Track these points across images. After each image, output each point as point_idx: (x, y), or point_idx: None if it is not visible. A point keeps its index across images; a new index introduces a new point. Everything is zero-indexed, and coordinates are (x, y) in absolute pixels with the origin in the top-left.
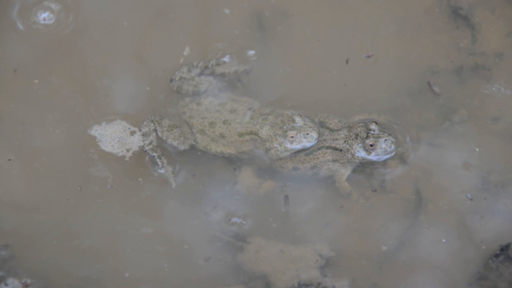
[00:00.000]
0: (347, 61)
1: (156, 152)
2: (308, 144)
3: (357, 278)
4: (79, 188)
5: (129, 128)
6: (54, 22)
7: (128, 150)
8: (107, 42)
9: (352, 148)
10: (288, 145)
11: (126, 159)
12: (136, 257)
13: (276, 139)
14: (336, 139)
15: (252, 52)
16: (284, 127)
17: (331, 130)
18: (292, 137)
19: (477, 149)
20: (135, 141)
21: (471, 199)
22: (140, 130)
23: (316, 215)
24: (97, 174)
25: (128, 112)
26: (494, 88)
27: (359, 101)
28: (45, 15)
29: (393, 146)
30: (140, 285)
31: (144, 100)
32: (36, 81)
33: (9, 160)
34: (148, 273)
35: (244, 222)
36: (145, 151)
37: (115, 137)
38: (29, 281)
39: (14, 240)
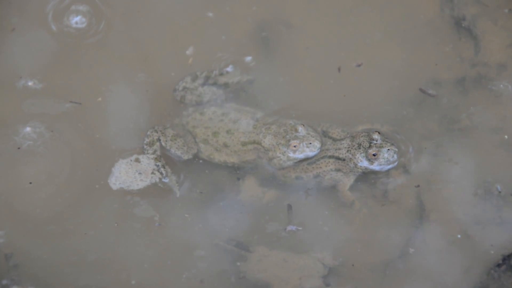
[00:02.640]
0: (339, 69)
1: (160, 161)
2: (311, 154)
3: (360, 287)
4: (115, 224)
5: (131, 159)
6: (86, 26)
7: (153, 173)
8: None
9: (355, 158)
10: (291, 155)
11: (158, 184)
12: (140, 264)
13: (279, 149)
14: (339, 149)
15: (249, 58)
16: (287, 136)
17: (334, 139)
18: (295, 146)
19: (506, 137)
20: (148, 162)
21: (500, 192)
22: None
23: (319, 224)
24: (141, 214)
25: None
26: (501, 86)
27: (362, 112)
28: (77, 19)
29: (395, 156)
30: None
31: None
32: (100, 99)
33: (30, 183)
34: (154, 281)
35: (299, 228)
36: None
37: (135, 171)
38: None
39: (18, 249)
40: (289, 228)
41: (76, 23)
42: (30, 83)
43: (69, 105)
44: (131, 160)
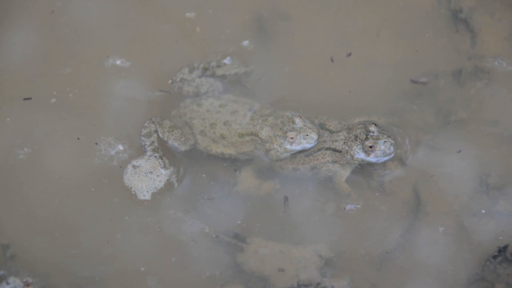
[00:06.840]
0: (332, 60)
1: (158, 152)
2: (307, 145)
3: (356, 279)
4: (158, 229)
5: (133, 166)
6: None
7: (164, 167)
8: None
9: (352, 150)
10: (288, 146)
11: (175, 186)
12: (139, 253)
13: (276, 140)
14: (336, 141)
15: (246, 42)
16: (284, 128)
17: (331, 131)
18: (292, 138)
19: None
20: (146, 159)
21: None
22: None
23: (315, 216)
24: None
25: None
26: (496, 63)
27: (359, 103)
28: None
29: (392, 148)
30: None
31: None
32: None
33: (78, 139)
34: (154, 269)
35: (358, 206)
36: (144, 148)
37: (146, 175)
38: (30, 280)
39: (15, 239)
40: (348, 207)
41: None
42: (118, 62)
43: (159, 93)
44: (133, 167)
